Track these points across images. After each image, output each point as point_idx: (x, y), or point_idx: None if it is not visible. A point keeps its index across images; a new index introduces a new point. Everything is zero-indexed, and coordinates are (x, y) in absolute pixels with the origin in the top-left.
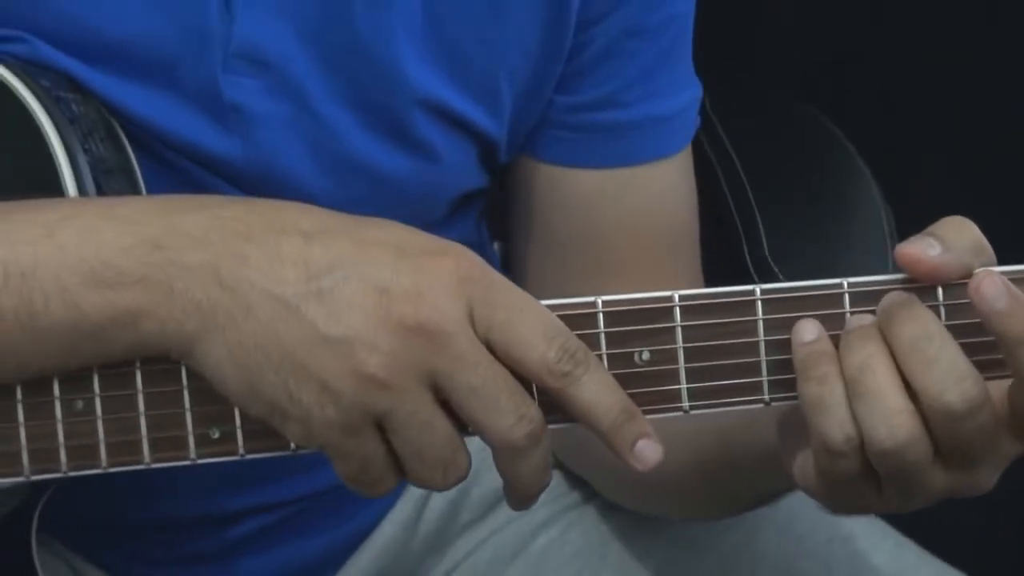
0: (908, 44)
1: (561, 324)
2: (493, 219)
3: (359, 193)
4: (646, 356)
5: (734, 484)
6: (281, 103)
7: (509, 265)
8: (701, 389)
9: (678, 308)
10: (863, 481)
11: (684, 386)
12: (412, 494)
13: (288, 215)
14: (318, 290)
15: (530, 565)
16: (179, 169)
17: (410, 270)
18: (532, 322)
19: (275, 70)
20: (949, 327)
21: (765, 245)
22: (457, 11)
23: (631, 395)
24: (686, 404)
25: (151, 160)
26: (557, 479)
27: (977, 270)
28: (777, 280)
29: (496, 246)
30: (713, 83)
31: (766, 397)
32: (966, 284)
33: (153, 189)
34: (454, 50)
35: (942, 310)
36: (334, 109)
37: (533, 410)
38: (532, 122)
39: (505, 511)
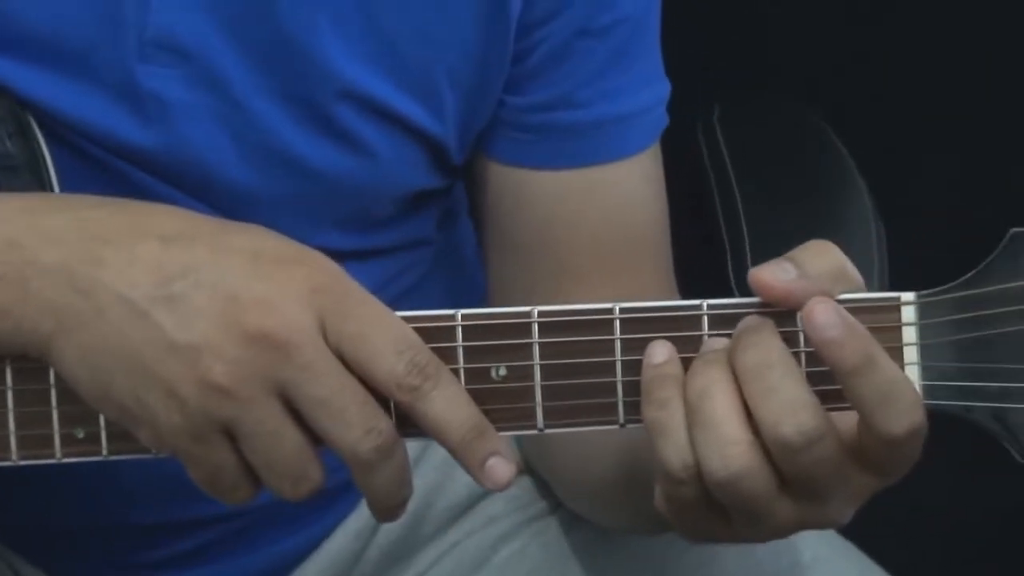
0: (912, 47)
1: (414, 337)
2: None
3: (288, 187)
4: (502, 372)
5: (648, 499)
6: (202, 93)
7: None
8: (556, 408)
9: (536, 324)
10: (707, 509)
11: (539, 404)
12: None
13: (151, 218)
14: (168, 295)
15: None
16: (100, 162)
17: (262, 278)
18: (383, 334)
19: (194, 60)
20: (808, 353)
21: (749, 262)
22: (391, 4)
23: (486, 411)
24: (541, 423)
25: (70, 154)
26: (523, 487)
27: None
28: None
29: None
30: (721, 95)
31: (621, 419)
32: None
33: (72, 184)
34: (388, 44)
35: (801, 336)
36: (259, 101)
37: (383, 423)
38: (482, 123)
39: (469, 523)
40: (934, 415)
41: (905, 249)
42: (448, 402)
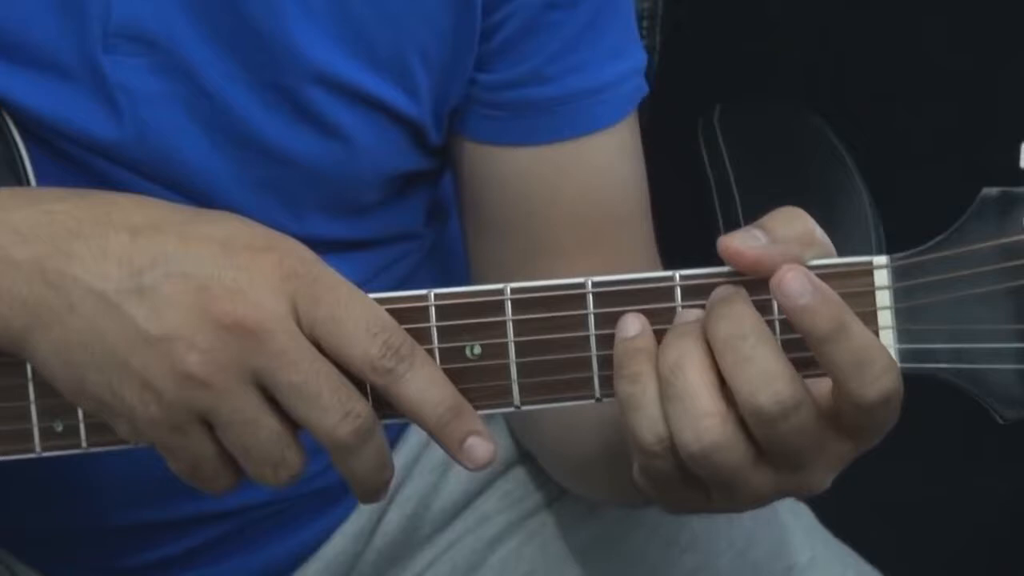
0: (912, 47)
1: (387, 319)
2: None
3: (265, 175)
4: (477, 350)
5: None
6: (170, 82)
7: None
8: (532, 384)
9: (509, 301)
10: (683, 481)
11: (514, 381)
12: (367, 506)
13: (120, 210)
14: (139, 287)
15: None
16: (75, 159)
17: (233, 266)
18: (356, 318)
19: (160, 48)
20: (782, 321)
21: None
22: None
23: (462, 391)
24: (517, 400)
25: (45, 152)
26: (515, 481)
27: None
28: None
29: None
30: (721, 95)
31: (596, 393)
32: None
33: (49, 181)
34: (357, 27)
35: (774, 304)
36: (229, 88)
37: (360, 406)
38: (455, 101)
39: (462, 523)
40: (920, 393)
41: (904, 249)
42: (424, 383)
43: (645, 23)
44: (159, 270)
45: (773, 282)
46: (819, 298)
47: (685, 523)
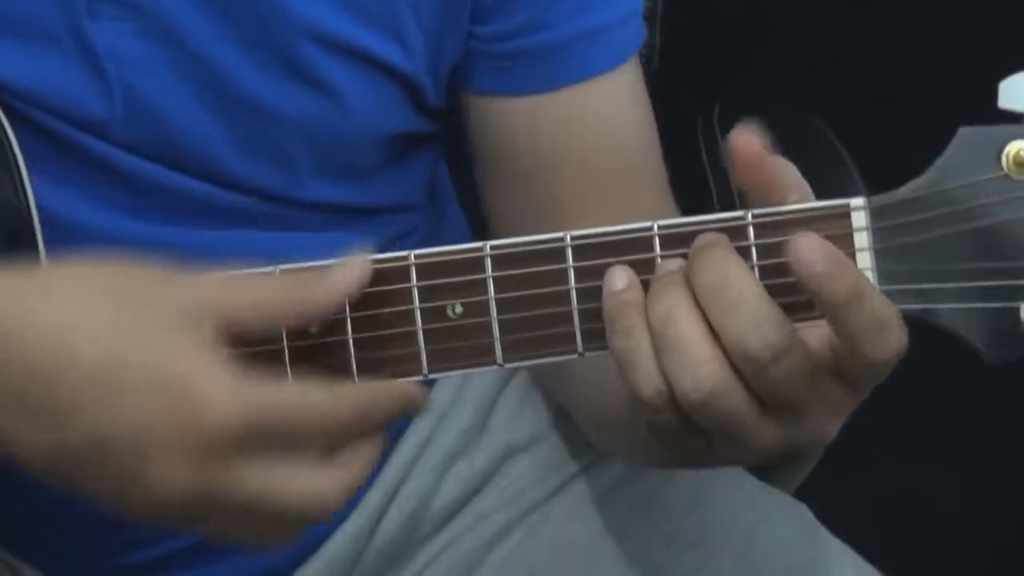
0: (913, 47)
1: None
2: None
3: (258, 136)
4: (459, 310)
5: None
6: (157, 46)
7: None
8: (514, 341)
9: (488, 258)
10: (687, 433)
11: (496, 339)
12: (368, 506)
13: (37, 387)
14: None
15: None
16: (63, 139)
17: (150, 478)
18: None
19: (145, 11)
20: (761, 267)
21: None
22: None
23: (445, 350)
24: (500, 358)
25: (35, 134)
26: (515, 475)
27: (797, 233)
28: None
29: None
30: (721, 95)
31: (579, 348)
32: (778, 224)
33: (37, 162)
34: None
35: (753, 251)
36: (218, 49)
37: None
38: (454, 58)
39: (461, 522)
40: (921, 393)
41: None
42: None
43: (645, 23)
44: (82, 485)
45: (788, 248)
46: (835, 264)
47: (686, 522)
